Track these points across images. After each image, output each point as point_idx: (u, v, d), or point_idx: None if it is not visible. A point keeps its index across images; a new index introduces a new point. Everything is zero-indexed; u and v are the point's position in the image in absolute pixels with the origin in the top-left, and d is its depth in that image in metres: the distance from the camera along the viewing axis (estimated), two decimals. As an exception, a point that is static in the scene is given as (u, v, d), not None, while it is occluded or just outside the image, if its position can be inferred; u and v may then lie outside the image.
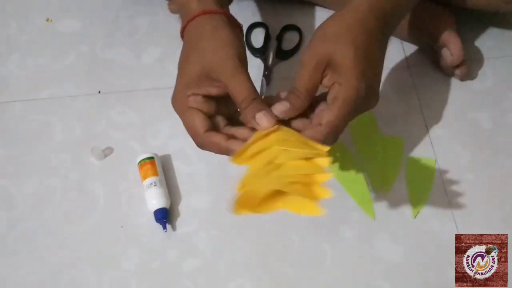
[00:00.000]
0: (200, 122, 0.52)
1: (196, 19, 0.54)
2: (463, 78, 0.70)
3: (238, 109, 0.53)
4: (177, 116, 0.69)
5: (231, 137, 0.52)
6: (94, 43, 0.77)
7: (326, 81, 0.52)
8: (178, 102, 0.54)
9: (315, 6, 0.78)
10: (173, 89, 0.76)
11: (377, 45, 0.53)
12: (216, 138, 0.52)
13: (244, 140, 0.51)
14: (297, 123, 0.52)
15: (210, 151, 0.53)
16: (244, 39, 0.71)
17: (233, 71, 0.51)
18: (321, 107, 0.53)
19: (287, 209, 0.47)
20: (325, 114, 0.50)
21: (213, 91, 0.52)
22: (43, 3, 0.81)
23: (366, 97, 0.51)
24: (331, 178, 0.48)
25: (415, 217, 0.61)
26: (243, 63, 0.52)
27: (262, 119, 0.50)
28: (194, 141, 0.54)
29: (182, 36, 0.56)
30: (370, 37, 0.52)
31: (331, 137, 0.52)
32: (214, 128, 0.52)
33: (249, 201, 0.46)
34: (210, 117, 0.53)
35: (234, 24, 0.56)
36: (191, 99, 0.53)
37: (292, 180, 0.47)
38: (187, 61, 0.54)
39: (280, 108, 0.51)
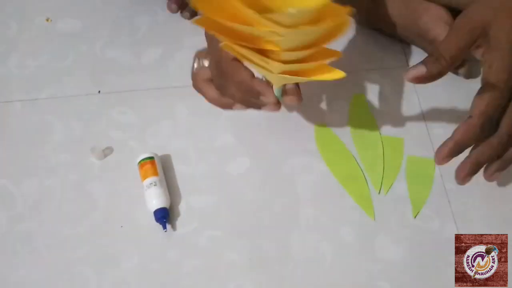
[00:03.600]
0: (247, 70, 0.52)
1: None
2: (467, 76, 0.70)
3: None
4: (177, 116, 0.69)
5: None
6: (94, 43, 0.77)
7: (478, 54, 0.50)
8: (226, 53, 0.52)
9: (315, 6, 0.78)
10: (173, 88, 0.76)
11: None
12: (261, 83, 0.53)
13: None
14: None
15: (254, 90, 0.53)
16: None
17: None
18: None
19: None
20: (476, 103, 0.48)
21: None
22: (42, 3, 0.81)
23: None
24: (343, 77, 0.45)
25: (415, 216, 0.61)
26: None
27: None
28: (243, 87, 0.52)
29: None
30: None
31: (487, 127, 0.49)
32: None
33: None
34: None
35: None
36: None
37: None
38: None
39: (412, 73, 0.48)
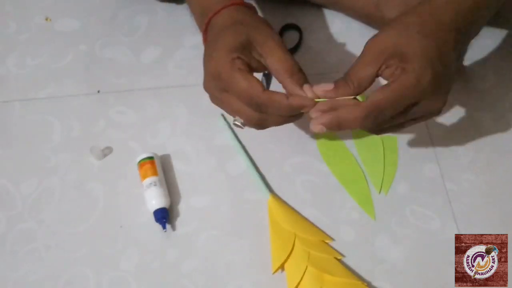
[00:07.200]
0: (256, 82, 0.50)
1: (230, 7, 0.53)
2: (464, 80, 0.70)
3: (280, 81, 0.51)
4: (176, 115, 0.69)
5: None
6: (93, 42, 0.76)
7: (387, 72, 0.49)
8: (223, 65, 0.50)
9: (315, 6, 0.78)
10: (173, 88, 0.75)
11: (451, 41, 0.49)
12: (277, 96, 0.49)
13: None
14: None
15: (270, 112, 0.50)
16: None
17: (279, 44, 0.51)
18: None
19: None
20: (372, 94, 0.47)
21: (253, 64, 0.51)
22: (42, 2, 0.81)
23: (430, 91, 0.48)
24: None
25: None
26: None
27: (308, 90, 0.49)
28: (251, 103, 0.50)
29: (208, 21, 0.55)
30: (443, 30, 0.49)
31: (370, 121, 0.48)
32: None
33: None
34: None
35: None
36: (238, 62, 0.50)
37: None
38: (228, 30, 0.51)
39: (322, 86, 0.49)
